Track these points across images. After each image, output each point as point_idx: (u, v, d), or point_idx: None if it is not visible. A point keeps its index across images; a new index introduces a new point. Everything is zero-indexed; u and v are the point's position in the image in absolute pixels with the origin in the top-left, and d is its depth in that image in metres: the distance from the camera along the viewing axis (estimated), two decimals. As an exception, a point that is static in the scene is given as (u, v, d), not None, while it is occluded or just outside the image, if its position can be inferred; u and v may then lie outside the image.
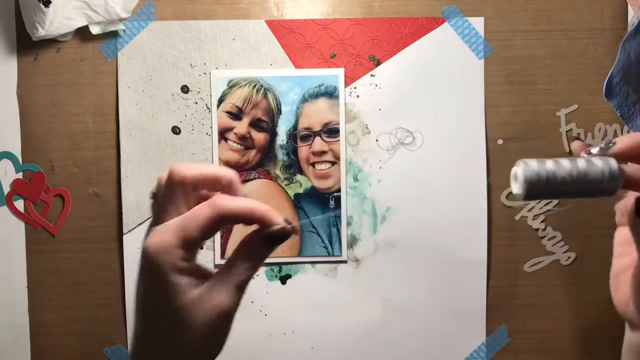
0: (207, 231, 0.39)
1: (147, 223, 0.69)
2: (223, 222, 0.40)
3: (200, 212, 0.39)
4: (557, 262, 0.72)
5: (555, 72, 0.71)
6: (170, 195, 0.39)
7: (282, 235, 0.41)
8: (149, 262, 0.38)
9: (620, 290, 0.42)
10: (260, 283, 0.70)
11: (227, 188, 0.41)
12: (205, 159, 0.70)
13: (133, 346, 0.40)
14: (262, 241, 0.42)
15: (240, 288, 0.41)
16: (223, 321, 0.41)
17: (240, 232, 0.70)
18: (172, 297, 0.38)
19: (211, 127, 0.69)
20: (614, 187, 0.37)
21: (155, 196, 0.40)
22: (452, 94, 0.70)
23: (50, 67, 0.69)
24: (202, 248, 0.40)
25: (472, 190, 0.70)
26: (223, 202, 0.39)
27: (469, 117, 0.70)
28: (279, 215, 0.41)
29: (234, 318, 0.41)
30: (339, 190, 0.70)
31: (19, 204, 0.70)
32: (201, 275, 0.40)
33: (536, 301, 0.72)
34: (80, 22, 0.67)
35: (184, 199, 0.40)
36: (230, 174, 0.40)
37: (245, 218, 0.41)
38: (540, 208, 0.71)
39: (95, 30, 0.68)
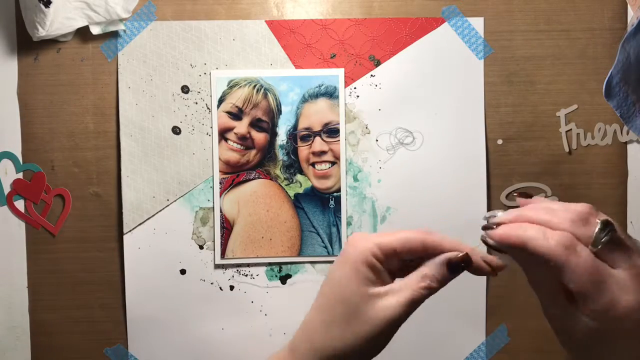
0: (403, 245, 0.42)
1: (147, 223, 0.69)
2: (421, 247, 0.42)
3: (405, 231, 0.43)
4: (557, 262, 0.72)
5: (555, 72, 0.71)
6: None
7: (465, 262, 0.44)
8: (348, 249, 0.42)
9: None
10: (260, 283, 0.70)
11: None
12: (205, 159, 0.70)
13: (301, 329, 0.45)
14: (447, 265, 0.43)
15: (414, 303, 0.42)
16: (386, 326, 0.42)
17: (241, 231, 0.70)
18: (352, 284, 0.42)
19: (211, 127, 0.70)
20: None
21: None
22: (452, 94, 0.70)
23: (51, 67, 0.69)
24: (398, 266, 0.44)
25: (472, 190, 0.70)
26: (430, 234, 0.42)
27: (469, 117, 0.71)
28: (478, 255, 0.43)
29: (397, 328, 0.43)
30: (339, 190, 0.70)
31: (20, 204, 0.70)
32: (384, 281, 0.43)
33: (536, 301, 0.72)
34: (81, 23, 0.67)
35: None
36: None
37: (440, 250, 0.43)
38: (540, 208, 0.71)
39: (95, 30, 0.68)
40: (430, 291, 0.43)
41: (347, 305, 0.42)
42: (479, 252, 0.43)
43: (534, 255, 0.37)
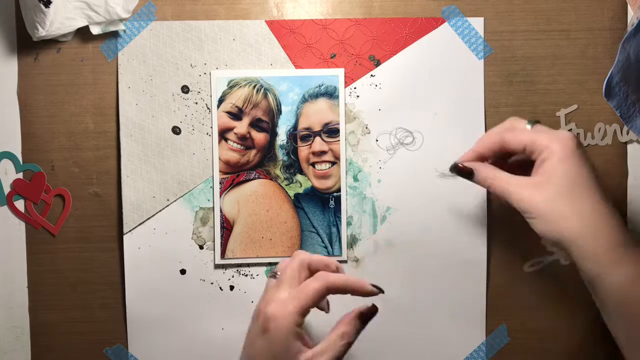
0: (316, 300, 0.50)
1: (147, 223, 0.69)
2: (327, 292, 0.52)
3: (311, 285, 0.51)
4: (557, 262, 0.72)
5: (555, 72, 0.71)
6: (296, 274, 0.52)
7: (373, 312, 0.54)
8: (271, 326, 0.49)
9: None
10: (260, 283, 0.70)
11: (334, 270, 0.57)
12: (205, 159, 0.70)
13: None
14: (358, 319, 0.53)
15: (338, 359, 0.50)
16: None
17: (241, 231, 0.70)
18: (284, 357, 0.49)
19: (211, 127, 0.70)
20: None
21: (274, 274, 0.54)
22: (452, 94, 0.70)
23: (51, 67, 0.69)
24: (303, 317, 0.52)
25: (472, 190, 0.70)
26: (328, 277, 0.52)
27: (469, 117, 0.71)
28: (367, 283, 0.54)
29: None
30: (339, 190, 0.70)
31: (20, 204, 0.70)
32: (305, 343, 0.50)
33: (536, 301, 0.72)
34: (81, 23, 0.67)
35: (302, 277, 0.53)
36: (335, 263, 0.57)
37: (343, 288, 0.52)
38: (540, 208, 0.71)
39: (95, 30, 0.68)
40: (349, 345, 0.51)
41: None
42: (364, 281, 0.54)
43: None
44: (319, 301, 0.51)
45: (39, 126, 0.70)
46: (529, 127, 0.57)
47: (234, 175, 0.70)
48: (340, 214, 0.70)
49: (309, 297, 0.49)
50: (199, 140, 0.70)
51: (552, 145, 0.53)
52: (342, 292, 0.53)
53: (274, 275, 0.54)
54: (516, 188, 0.54)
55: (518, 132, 0.57)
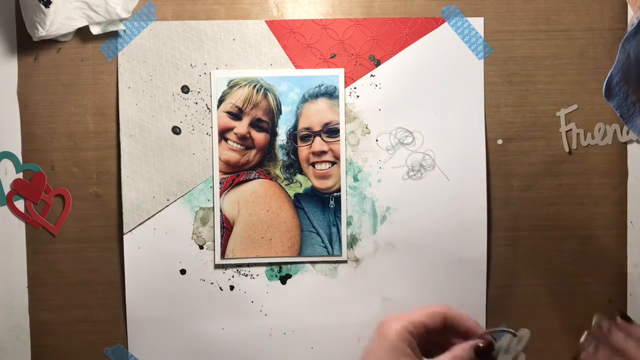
0: (429, 319, 0.51)
1: (147, 223, 0.69)
2: (444, 320, 0.52)
3: (432, 307, 0.53)
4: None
5: (555, 72, 0.71)
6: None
7: (489, 348, 0.53)
8: (384, 328, 0.51)
9: None
10: (260, 283, 0.70)
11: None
12: (205, 159, 0.70)
13: None
14: (474, 351, 0.52)
15: None
16: None
17: (241, 231, 0.70)
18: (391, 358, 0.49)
19: (211, 127, 0.70)
20: None
21: None
22: (452, 94, 0.70)
23: (51, 68, 0.69)
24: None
25: (472, 190, 0.70)
26: (450, 309, 0.53)
27: (469, 117, 0.71)
28: (482, 329, 0.53)
29: None
30: (339, 190, 0.70)
31: (20, 204, 0.70)
32: (416, 353, 0.50)
33: (536, 301, 0.72)
34: (81, 23, 0.67)
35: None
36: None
37: (458, 322, 0.53)
38: (540, 208, 0.71)
39: (95, 30, 0.68)
40: None
41: None
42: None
43: None
44: (433, 323, 0.51)
45: (39, 126, 0.70)
46: None
47: (234, 175, 0.70)
48: (340, 214, 0.70)
49: (425, 313, 0.51)
50: (199, 140, 0.70)
51: None
52: (458, 329, 0.53)
53: None
54: None
55: None
